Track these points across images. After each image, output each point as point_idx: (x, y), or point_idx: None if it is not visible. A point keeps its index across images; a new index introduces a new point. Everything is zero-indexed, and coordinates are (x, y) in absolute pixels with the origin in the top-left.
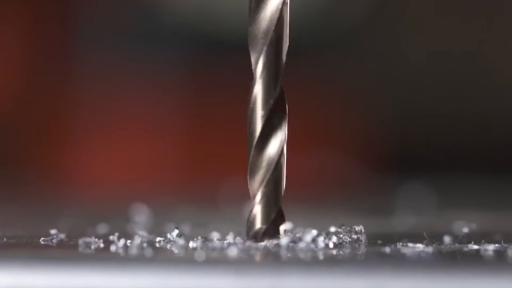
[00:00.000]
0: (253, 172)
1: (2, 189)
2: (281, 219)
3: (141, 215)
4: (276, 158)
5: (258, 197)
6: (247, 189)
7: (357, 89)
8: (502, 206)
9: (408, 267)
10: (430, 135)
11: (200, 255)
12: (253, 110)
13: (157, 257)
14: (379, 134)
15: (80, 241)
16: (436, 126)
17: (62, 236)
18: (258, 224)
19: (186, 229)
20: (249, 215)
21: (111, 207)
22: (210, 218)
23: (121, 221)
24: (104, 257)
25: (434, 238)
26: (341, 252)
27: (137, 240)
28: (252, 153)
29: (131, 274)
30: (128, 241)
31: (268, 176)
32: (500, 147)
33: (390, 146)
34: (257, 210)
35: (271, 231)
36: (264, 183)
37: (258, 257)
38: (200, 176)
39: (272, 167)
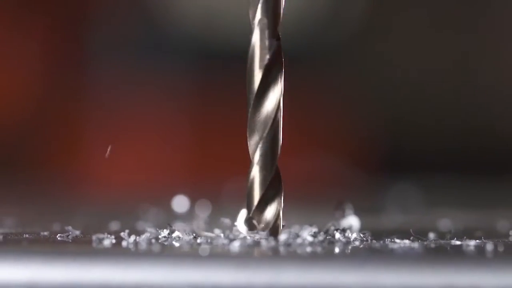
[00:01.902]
0: (252, 130)
1: (21, 189)
2: (277, 182)
3: (182, 207)
4: (274, 113)
5: (257, 157)
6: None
7: (350, 97)
8: (482, 205)
9: (396, 261)
10: (417, 140)
11: (204, 250)
12: (251, 64)
13: (164, 252)
14: (370, 139)
15: (94, 237)
16: (423, 132)
17: (77, 232)
18: (257, 188)
19: (190, 226)
20: (248, 178)
21: (122, 206)
22: (214, 216)
23: (131, 219)
24: (115, 252)
25: (420, 234)
26: (334, 247)
27: (146, 236)
28: (250, 109)
29: (141, 267)
30: (138, 237)
31: (266, 132)
32: (481, 152)
33: (380, 150)
34: (255, 171)
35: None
36: (262, 141)
37: (257, 252)
38: (204, 177)
39: (270, 122)
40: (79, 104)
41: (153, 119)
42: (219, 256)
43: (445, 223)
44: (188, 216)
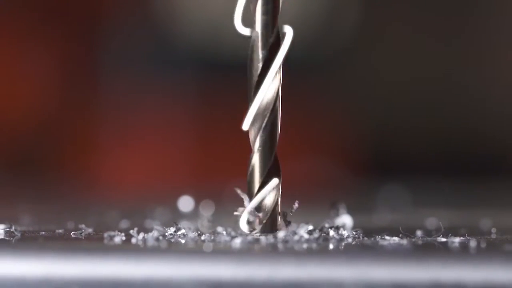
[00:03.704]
0: (253, 119)
1: (38, 190)
2: (276, 169)
3: (187, 207)
4: (273, 102)
5: (257, 144)
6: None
7: (342, 104)
8: (466, 205)
9: (386, 257)
10: (405, 143)
11: (208, 247)
12: (251, 61)
13: (171, 248)
14: (362, 144)
15: (105, 235)
16: (411, 136)
17: (90, 230)
18: (257, 174)
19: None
20: (249, 165)
21: (131, 205)
22: (217, 215)
23: (139, 218)
24: (125, 248)
25: (408, 232)
26: (329, 244)
27: (154, 234)
28: (251, 98)
29: (149, 262)
30: (146, 234)
31: (265, 120)
32: (465, 155)
33: (371, 154)
34: (256, 159)
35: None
36: (262, 128)
37: (257, 248)
38: (207, 179)
39: (269, 110)
40: (93, 111)
41: (161, 125)
42: (221, 252)
43: (431, 222)
44: (193, 215)
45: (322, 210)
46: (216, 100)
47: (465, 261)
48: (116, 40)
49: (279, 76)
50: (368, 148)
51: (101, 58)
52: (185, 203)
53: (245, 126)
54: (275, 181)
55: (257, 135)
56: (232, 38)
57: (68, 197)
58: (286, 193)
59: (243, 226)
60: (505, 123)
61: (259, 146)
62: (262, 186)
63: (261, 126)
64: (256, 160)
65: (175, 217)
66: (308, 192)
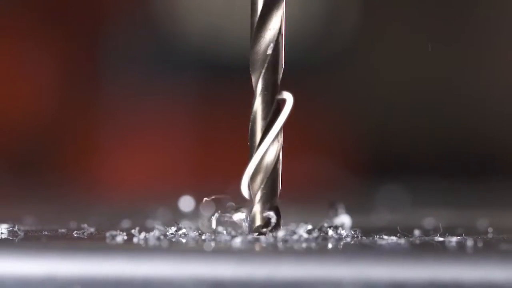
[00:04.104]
0: (254, 176)
1: (41, 191)
2: (277, 216)
3: (188, 207)
4: (273, 163)
5: (258, 196)
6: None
7: (341, 104)
8: (463, 205)
9: (384, 256)
10: (404, 144)
11: (208, 246)
12: (254, 123)
13: (172, 247)
14: (361, 144)
15: (107, 234)
16: (409, 136)
17: (92, 230)
18: (258, 221)
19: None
20: (249, 214)
21: (132, 205)
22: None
23: (141, 217)
24: (127, 247)
25: (406, 231)
26: (328, 243)
27: (155, 233)
28: (254, 156)
29: (150, 261)
30: (147, 234)
31: (266, 178)
32: (463, 155)
33: (370, 155)
34: (257, 208)
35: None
36: (263, 185)
37: (257, 247)
38: (208, 179)
39: (270, 170)
40: (94, 112)
41: (162, 126)
42: (222, 251)
43: (429, 221)
44: (194, 215)
45: (321, 210)
46: (217, 100)
47: (462, 261)
48: (117, 41)
49: (280, 140)
50: (367, 148)
51: (103, 59)
52: (186, 203)
53: (244, 182)
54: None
55: (258, 190)
56: (233, 39)
57: (70, 197)
58: (286, 193)
59: (245, 192)
60: (503, 124)
61: (260, 198)
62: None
63: (262, 183)
64: (257, 209)
65: (176, 217)
66: (307, 192)
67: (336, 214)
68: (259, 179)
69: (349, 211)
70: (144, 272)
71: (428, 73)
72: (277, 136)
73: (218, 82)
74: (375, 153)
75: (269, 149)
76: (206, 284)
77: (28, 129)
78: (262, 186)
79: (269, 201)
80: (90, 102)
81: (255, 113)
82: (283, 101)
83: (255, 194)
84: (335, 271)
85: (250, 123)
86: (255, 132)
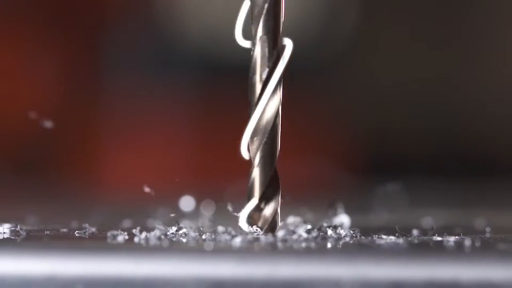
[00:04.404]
0: (253, 133)
1: (43, 191)
2: (276, 182)
3: (188, 207)
4: (273, 119)
5: (257, 159)
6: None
7: (341, 106)
8: (461, 205)
9: (382, 255)
10: (402, 145)
11: (209, 245)
12: (253, 73)
13: (172, 247)
14: (359, 144)
15: (108, 234)
16: (407, 137)
17: (93, 229)
18: (257, 187)
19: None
20: (249, 178)
21: (133, 205)
22: (218, 214)
23: (142, 217)
24: (128, 247)
25: (405, 231)
26: (327, 242)
27: (156, 233)
28: (252, 116)
29: (151, 261)
30: (148, 233)
31: (266, 136)
32: (460, 156)
33: (368, 154)
34: (256, 172)
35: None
36: (262, 143)
37: (257, 247)
38: (208, 179)
39: (270, 127)
40: (96, 113)
41: (163, 126)
42: (222, 250)
43: (427, 221)
44: (194, 215)
45: (321, 210)
46: (217, 101)
47: (460, 260)
48: (119, 43)
49: (279, 93)
50: (366, 148)
51: (104, 60)
52: (186, 203)
53: (244, 142)
54: None
55: (257, 150)
56: (233, 41)
57: (72, 197)
58: (285, 193)
59: (243, 225)
60: (500, 124)
61: (259, 160)
62: (262, 198)
63: (261, 142)
64: (256, 174)
65: (177, 216)
66: (307, 192)
67: (335, 214)
68: (258, 139)
69: (348, 211)
70: (145, 271)
71: (426, 73)
72: (276, 87)
73: (219, 82)
74: (373, 153)
75: (268, 103)
76: (207, 283)
77: (30, 129)
78: (262, 144)
79: (268, 164)
80: (91, 103)
81: (255, 62)
82: (282, 49)
83: (254, 157)
84: (334, 270)
85: (249, 74)
86: (254, 84)
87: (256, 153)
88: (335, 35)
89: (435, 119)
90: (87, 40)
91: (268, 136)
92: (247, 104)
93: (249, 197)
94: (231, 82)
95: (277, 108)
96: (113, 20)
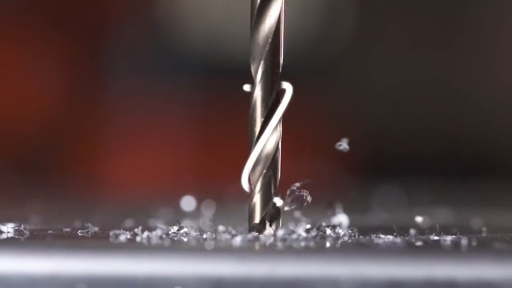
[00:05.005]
0: (254, 166)
1: (46, 190)
2: (276, 207)
3: (189, 207)
4: (273, 153)
5: (258, 187)
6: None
7: (340, 108)
8: (457, 205)
9: (380, 254)
10: (400, 146)
11: (209, 245)
12: (253, 112)
13: (174, 246)
14: (358, 145)
15: (111, 233)
16: (405, 139)
17: (96, 229)
18: (257, 212)
19: (197, 223)
20: (250, 203)
21: (135, 205)
22: (218, 214)
23: (144, 217)
24: (130, 246)
25: (402, 230)
26: (326, 242)
27: (158, 232)
28: (252, 151)
29: (153, 260)
30: (150, 233)
31: (266, 168)
32: (457, 156)
33: (367, 155)
34: (257, 199)
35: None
36: (262, 175)
37: (257, 246)
38: (209, 179)
39: (270, 160)
40: (99, 113)
41: (165, 127)
42: (222, 249)
43: (424, 221)
44: (195, 214)
45: (319, 210)
46: (218, 102)
47: (457, 259)
48: (120, 44)
49: (279, 129)
50: (364, 148)
51: (107, 61)
52: (188, 203)
53: (244, 175)
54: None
55: (258, 180)
56: (234, 42)
57: (75, 197)
58: (285, 193)
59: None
60: (497, 124)
61: (259, 190)
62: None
63: (261, 173)
64: (257, 200)
65: (178, 216)
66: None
67: (334, 214)
68: (258, 169)
69: (346, 211)
70: (147, 270)
71: (426, 73)
72: (276, 126)
73: (220, 84)
74: (372, 153)
75: (269, 140)
76: (207, 281)
77: (34, 130)
78: (261, 176)
79: (269, 191)
80: (94, 104)
81: (255, 102)
82: (283, 92)
83: (255, 185)
84: (333, 269)
85: (249, 112)
86: (254, 122)
87: (256, 184)
88: (334, 36)
89: (433, 119)
90: (90, 42)
91: (268, 169)
92: (247, 104)
93: (250, 217)
94: (232, 83)
95: (277, 142)
96: (115, 22)
